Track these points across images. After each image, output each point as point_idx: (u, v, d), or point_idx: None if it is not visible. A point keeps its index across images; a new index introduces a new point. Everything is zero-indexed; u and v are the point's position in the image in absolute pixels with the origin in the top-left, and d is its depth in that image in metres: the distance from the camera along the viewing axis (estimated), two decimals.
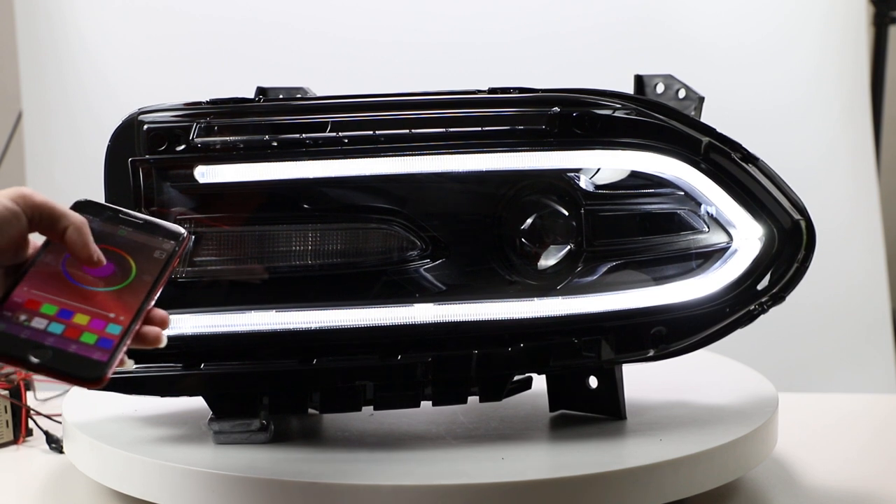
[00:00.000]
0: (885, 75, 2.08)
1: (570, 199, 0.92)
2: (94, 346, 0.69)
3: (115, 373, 0.69)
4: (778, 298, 0.93)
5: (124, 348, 0.70)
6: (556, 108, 0.90)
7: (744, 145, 0.93)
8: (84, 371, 0.68)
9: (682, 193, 0.93)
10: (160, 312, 0.74)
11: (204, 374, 0.90)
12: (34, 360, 0.67)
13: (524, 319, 0.92)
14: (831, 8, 1.86)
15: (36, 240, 0.73)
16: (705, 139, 0.92)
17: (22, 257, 0.72)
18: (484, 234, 0.92)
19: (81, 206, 0.76)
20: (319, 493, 0.80)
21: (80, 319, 0.70)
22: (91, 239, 0.73)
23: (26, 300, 0.70)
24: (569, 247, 0.92)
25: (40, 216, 0.71)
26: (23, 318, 0.69)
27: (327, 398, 0.93)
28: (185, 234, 0.78)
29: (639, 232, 0.93)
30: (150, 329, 0.73)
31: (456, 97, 0.92)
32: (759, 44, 1.84)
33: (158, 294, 0.74)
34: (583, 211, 0.92)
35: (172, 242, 0.77)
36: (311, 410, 0.94)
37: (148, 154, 0.89)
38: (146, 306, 0.73)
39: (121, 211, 0.78)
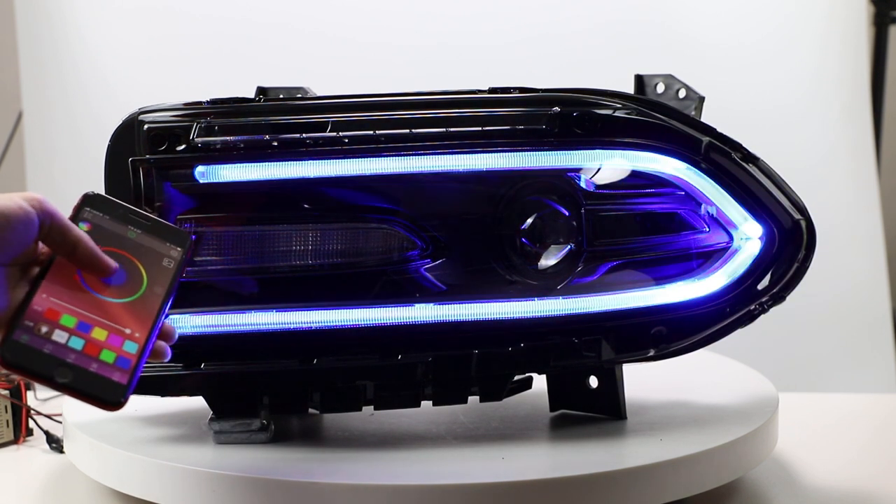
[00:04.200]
0: (885, 75, 2.08)
1: (571, 199, 0.92)
2: (114, 366, 0.69)
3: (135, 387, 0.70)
4: (778, 298, 0.93)
5: (141, 369, 0.70)
6: (557, 108, 0.90)
7: (744, 145, 0.93)
8: (105, 393, 0.68)
9: (682, 193, 0.93)
10: (167, 325, 0.75)
11: (204, 374, 0.90)
12: (60, 379, 0.67)
13: (524, 319, 0.92)
14: (831, 8, 1.86)
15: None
16: (705, 139, 0.92)
17: (32, 256, 0.72)
18: (484, 233, 0.92)
19: (91, 200, 0.76)
20: (319, 493, 0.80)
21: (99, 334, 0.70)
22: (98, 250, 0.72)
23: (46, 309, 0.69)
24: (569, 247, 0.92)
25: (51, 225, 0.71)
26: (44, 329, 0.68)
27: (327, 398, 0.93)
28: (191, 240, 0.79)
29: (639, 232, 0.93)
30: (157, 344, 0.74)
31: (456, 97, 0.92)
32: (759, 44, 1.84)
33: (169, 307, 0.75)
34: (583, 211, 0.92)
35: (179, 250, 0.77)
36: (311, 410, 0.94)
37: (148, 154, 0.89)
38: (159, 322, 0.73)
39: (129, 209, 0.77)
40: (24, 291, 0.70)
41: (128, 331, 0.71)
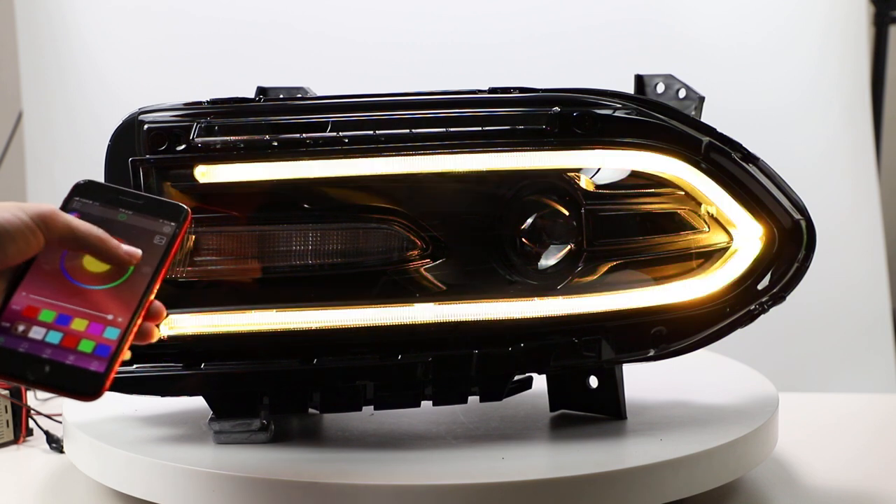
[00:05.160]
0: (886, 75, 2.08)
1: (571, 198, 0.92)
2: (92, 355, 0.68)
3: (116, 373, 0.69)
4: (778, 298, 0.93)
5: (122, 354, 0.69)
6: (557, 108, 0.90)
7: (744, 145, 0.93)
8: (81, 385, 0.67)
9: (682, 193, 0.93)
10: (155, 304, 0.73)
11: (204, 374, 0.90)
12: (31, 377, 0.66)
13: (524, 319, 0.92)
14: (831, 8, 1.86)
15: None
16: (705, 139, 0.92)
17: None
18: (484, 233, 0.92)
19: (80, 189, 0.75)
20: (319, 493, 0.80)
21: (78, 325, 0.69)
22: (115, 244, 0.72)
23: (24, 307, 0.68)
24: (569, 247, 0.92)
25: (60, 239, 0.70)
26: (21, 328, 0.68)
27: (327, 398, 0.93)
28: (186, 212, 0.77)
29: (639, 232, 0.93)
30: (143, 325, 0.72)
31: (456, 97, 0.92)
32: (759, 44, 1.84)
33: (158, 286, 0.73)
34: (583, 211, 0.92)
35: (173, 224, 0.76)
36: (311, 410, 0.94)
37: (148, 154, 0.89)
38: (145, 302, 0.71)
39: (121, 191, 0.76)
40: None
41: (110, 317, 0.70)
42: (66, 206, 0.74)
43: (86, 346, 0.68)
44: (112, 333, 0.69)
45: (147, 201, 0.77)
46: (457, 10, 1.81)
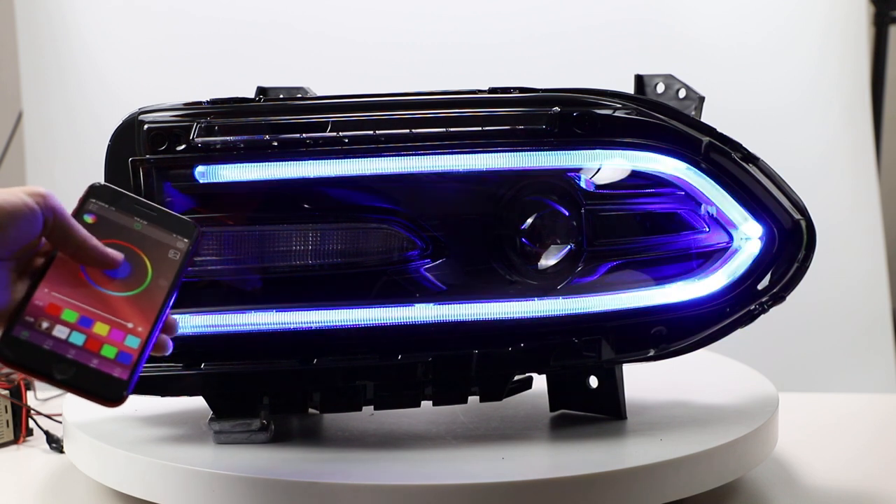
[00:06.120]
0: (886, 75, 2.08)
1: (571, 198, 0.92)
2: (115, 362, 0.68)
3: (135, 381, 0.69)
4: (778, 298, 0.93)
5: (143, 364, 0.69)
6: (557, 108, 0.90)
7: (744, 145, 0.93)
8: (105, 390, 0.67)
9: (682, 193, 0.93)
10: (169, 318, 0.74)
11: (204, 374, 0.90)
12: (58, 376, 0.66)
13: (524, 319, 0.92)
14: (831, 8, 1.86)
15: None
16: (705, 139, 0.92)
17: (34, 250, 0.71)
18: (484, 234, 0.92)
19: (96, 191, 0.75)
20: (319, 493, 0.80)
21: (101, 329, 0.69)
22: (101, 247, 0.71)
23: (48, 304, 0.68)
24: (569, 247, 0.92)
25: (53, 222, 0.70)
26: (45, 325, 0.67)
27: (327, 398, 0.93)
28: (198, 230, 0.77)
29: (639, 232, 0.93)
30: (159, 337, 0.73)
31: (456, 97, 0.92)
32: (759, 44, 1.84)
33: (174, 300, 0.74)
34: (583, 211, 0.92)
35: (186, 241, 0.76)
36: (311, 410, 0.94)
37: (148, 154, 0.89)
38: (163, 316, 0.72)
39: (135, 199, 0.77)
40: (26, 286, 0.69)
41: (130, 325, 0.70)
42: (82, 207, 0.74)
43: (108, 351, 0.68)
44: (133, 342, 0.70)
45: (160, 214, 0.77)
46: (457, 10, 1.81)
